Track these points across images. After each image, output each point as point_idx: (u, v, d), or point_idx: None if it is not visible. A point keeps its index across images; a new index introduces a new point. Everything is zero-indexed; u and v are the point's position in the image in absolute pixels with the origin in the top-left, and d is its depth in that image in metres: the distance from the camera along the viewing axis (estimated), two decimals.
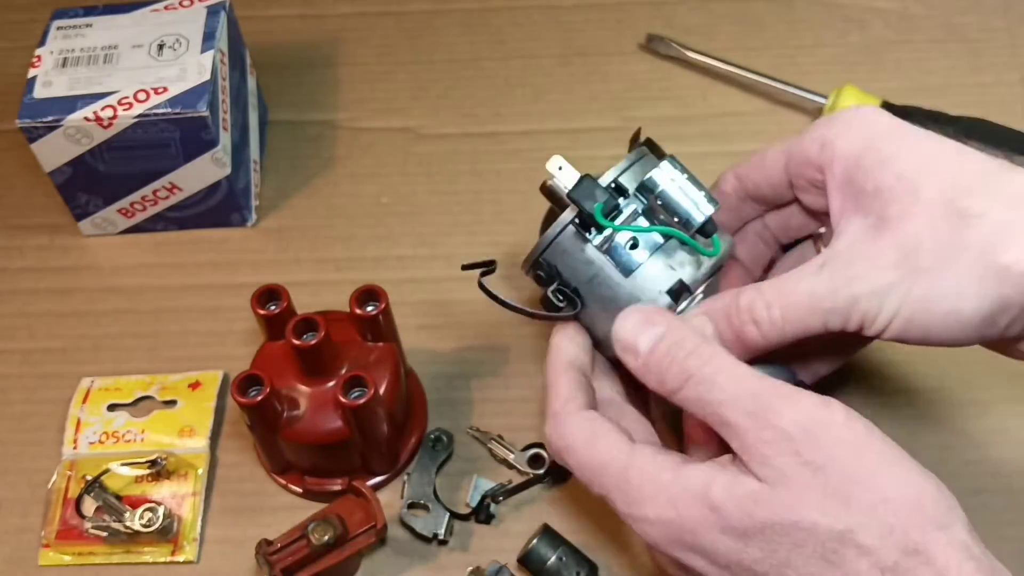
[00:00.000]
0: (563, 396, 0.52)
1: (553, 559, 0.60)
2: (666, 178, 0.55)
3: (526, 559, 0.60)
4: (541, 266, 0.58)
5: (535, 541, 0.60)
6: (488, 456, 0.66)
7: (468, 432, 0.66)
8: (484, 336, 0.71)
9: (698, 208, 0.54)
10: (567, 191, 0.56)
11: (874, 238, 0.49)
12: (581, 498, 0.64)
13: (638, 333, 0.50)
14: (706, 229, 0.55)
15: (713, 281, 0.58)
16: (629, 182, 0.56)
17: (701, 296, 0.56)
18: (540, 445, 0.65)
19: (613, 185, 0.56)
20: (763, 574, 0.45)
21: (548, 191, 0.58)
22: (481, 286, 0.58)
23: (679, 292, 0.56)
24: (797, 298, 0.50)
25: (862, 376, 0.67)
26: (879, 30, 0.84)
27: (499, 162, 0.79)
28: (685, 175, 0.55)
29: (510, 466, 0.65)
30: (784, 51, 0.83)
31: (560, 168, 0.56)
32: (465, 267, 0.60)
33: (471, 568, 0.61)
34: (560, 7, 0.87)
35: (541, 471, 0.64)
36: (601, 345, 0.59)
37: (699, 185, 0.55)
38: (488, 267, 0.59)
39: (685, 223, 0.54)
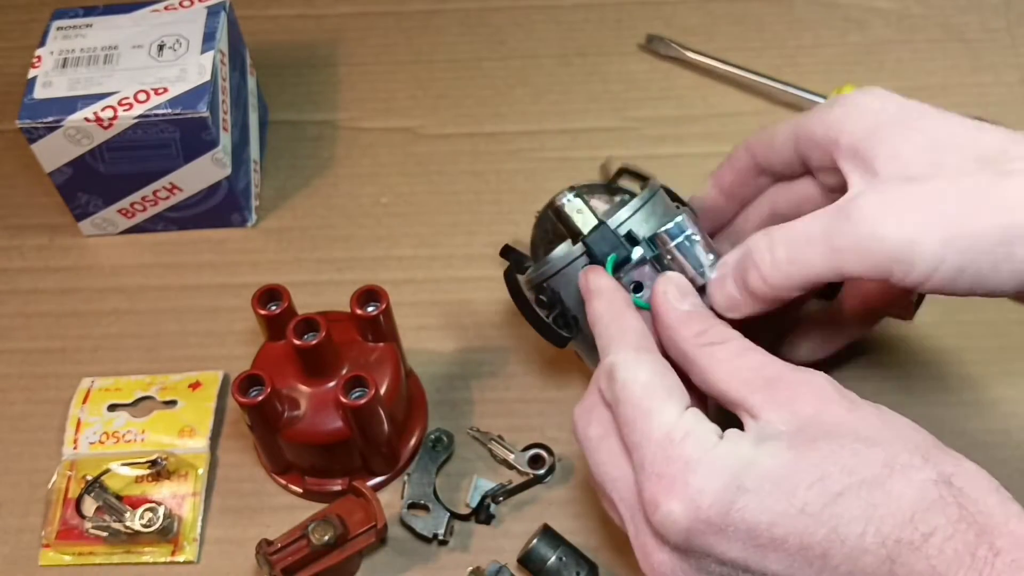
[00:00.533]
0: (637, 334, 0.51)
1: (553, 559, 0.59)
2: (680, 234, 0.55)
3: (526, 559, 0.60)
4: (544, 290, 0.58)
5: (535, 541, 0.60)
6: (488, 456, 0.66)
7: (468, 433, 0.66)
8: (484, 336, 0.71)
9: (703, 273, 0.54)
10: (582, 235, 0.56)
11: (900, 188, 0.47)
12: (581, 498, 0.64)
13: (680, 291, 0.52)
14: (705, 288, 0.55)
15: None
16: (640, 226, 0.56)
17: None
18: (540, 446, 0.65)
19: (626, 232, 0.56)
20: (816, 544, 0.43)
21: (557, 212, 0.58)
22: (506, 277, 0.60)
23: None
24: (809, 237, 0.48)
25: (862, 377, 0.67)
26: (879, 30, 0.84)
27: (499, 162, 0.79)
28: (698, 236, 0.55)
29: (510, 466, 0.65)
30: (784, 51, 0.83)
31: (579, 211, 0.57)
32: (504, 253, 0.61)
33: (471, 568, 0.61)
34: (560, 7, 0.87)
35: (541, 471, 0.64)
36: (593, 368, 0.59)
37: (710, 245, 0.55)
38: (523, 263, 0.61)
39: (691, 279, 0.55)
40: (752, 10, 0.86)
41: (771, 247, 0.49)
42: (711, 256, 0.55)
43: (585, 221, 0.57)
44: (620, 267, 0.55)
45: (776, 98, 0.81)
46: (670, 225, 0.55)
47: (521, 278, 0.60)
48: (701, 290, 0.54)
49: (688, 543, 0.44)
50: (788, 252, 0.48)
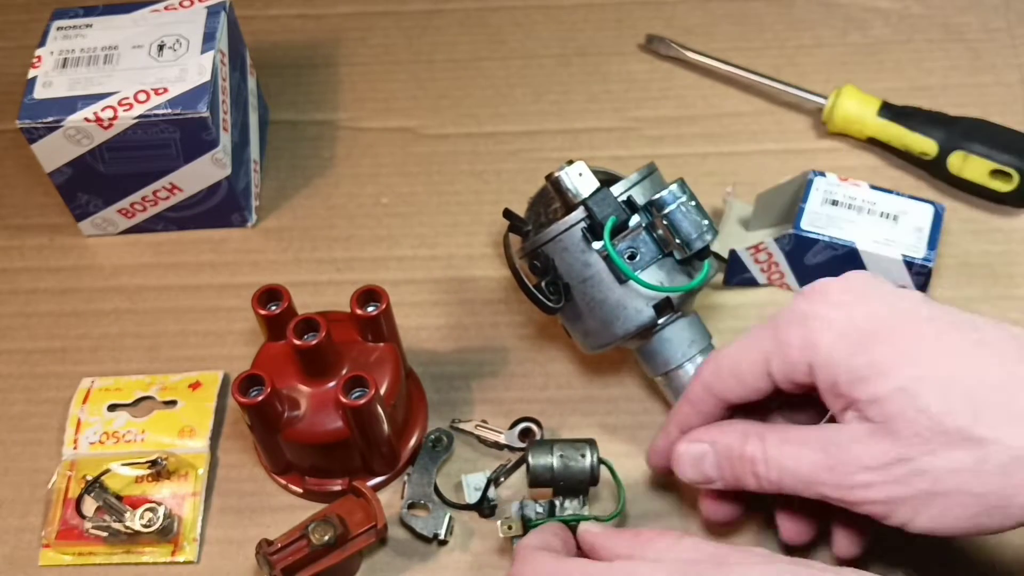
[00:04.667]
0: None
1: (555, 461, 0.57)
2: (675, 200, 0.57)
3: (535, 482, 0.58)
4: (539, 256, 0.59)
5: (530, 459, 0.58)
6: (484, 455, 0.66)
7: (452, 426, 0.66)
8: (484, 336, 0.71)
9: (700, 235, 0.57)
10: (582, 197, 0.58)
11: (881, 446, 0.47)
12: None
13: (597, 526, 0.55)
14: (702, 253, 0.57)
15: (693, 299, 0.61)
16: (638, 196, 0.58)
17: (680, 314, 0.59)
18: (528, 419, 0.65)
19: (625, 199, 0.58)
20: None
21: (555, 183, 0.59)
22: (505, 238, 0.63)
23: (664, 308, 0.58)
24: (798, 474, 0.49)
25: None
26: (879, 30, 0.84)
27: (499, 162, 0.79)
28: (692, 201, 0.57)
29: (501, 447, 0.65)
30: (784, 51, 0.83)
31: (580, 174, 0.58)
32: (506, 214, 0.63)
33: (502, 522, 0.59)
34: (560, 7, 0.87)
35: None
36: (577, 341, 0.62)
37: (703, 212, 0.57)
38: (522, 228, 0.63)
39: (685, 244, 0.57)
40: (752, 10, 0.86)
41: (767, 465, 0.51)
42: (705, 223, 0.57)
43: (587, 184, 0.58)
44: (618, 232, 0.57)
45: (776, 98, 0.81)
46: (664, 192, 0.58)
47: (518, 248, 0.62)
48: (690, 259, 0.57)
49: None
50: (780, 477, 0.50)
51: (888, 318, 0.48)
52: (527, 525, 0.57)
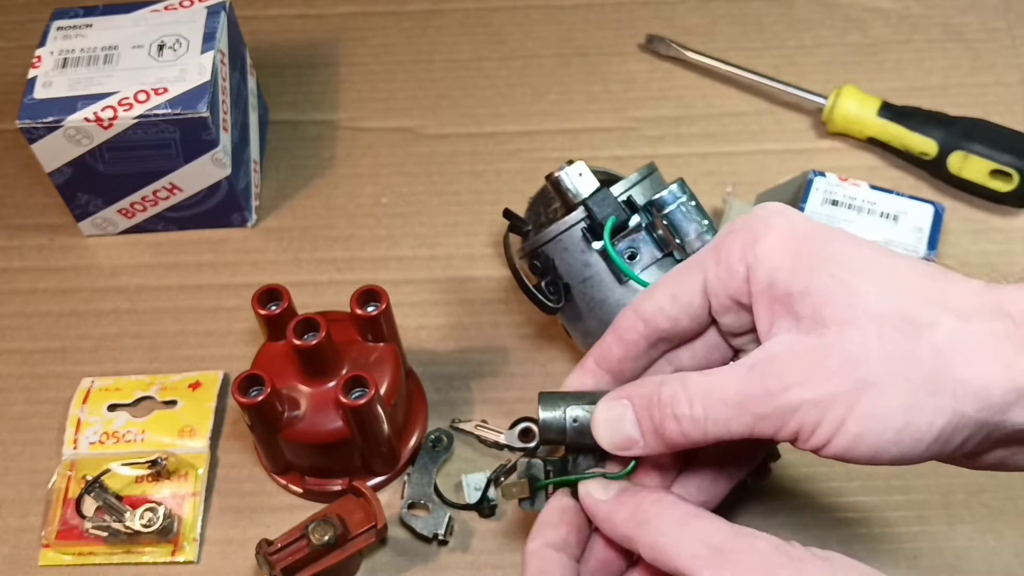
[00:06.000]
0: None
1: (567, 413, 0.51)
2: (675, 200, 0.57)
3: (546, 437, 0.51)
4: (539, 256, 0.59)
5: (541, 413, 0.51)
6: (483, 456, 0.66)
7: (452, 426, 0.66)
8: (484, 336, 0.71)
9: (700, 235, 0.57)
10: (582, 197, 0.58)
11: (811, 342, 0.44)
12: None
13: (601, 486, 0.50)
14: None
15: None
16: (638, 197, 0.58)
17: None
18: (528, 419, 0.65)
19: (625, 199, 0.58)
20: None
21: (555, 183, 0.59)
22: (504, 240, 0.63)
23: None
24: (725, 398, 0.45)
25: None
26: (879, 30, 0.84)
27: (499, 162, 0.79)
28: (692, 201, 0.57)
29: (501, 447, 0.65)
30: (784, 51, 0.83)
31: (580, 174, 0.58)
32: (506, 214, 0.63)
33: (506, 485, 0.54)
34: (560, 7, 0.87)
35: (532, 443, 0.64)
36: (577, 341, 0.62)
37: (703, 212, 0.57)
38: (522, 228, 0.63)
39: (685, 244, 0.57)
40: (752, 10, 0.86)
41: (690, 403, 0.46)
42: (705, 223, 0.57)
43: (587, 184, 0.58)
44: (617, 232, 0.57)
45: (776, 98, 0.81)
46: (664, 193, 0.58)
47: (518, 249, 0.62)
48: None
49: None
50: (706, 411, 0.46)
51: (823, 227, 0.47)
52: (534, 487, 0.52)
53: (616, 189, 0.58)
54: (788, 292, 0.45)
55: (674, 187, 0.58)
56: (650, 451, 0.48)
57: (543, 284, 0.60)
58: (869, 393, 0.43)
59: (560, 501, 0.51)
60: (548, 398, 0.51)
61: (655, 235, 0.59)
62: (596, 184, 0.59)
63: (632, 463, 0.50)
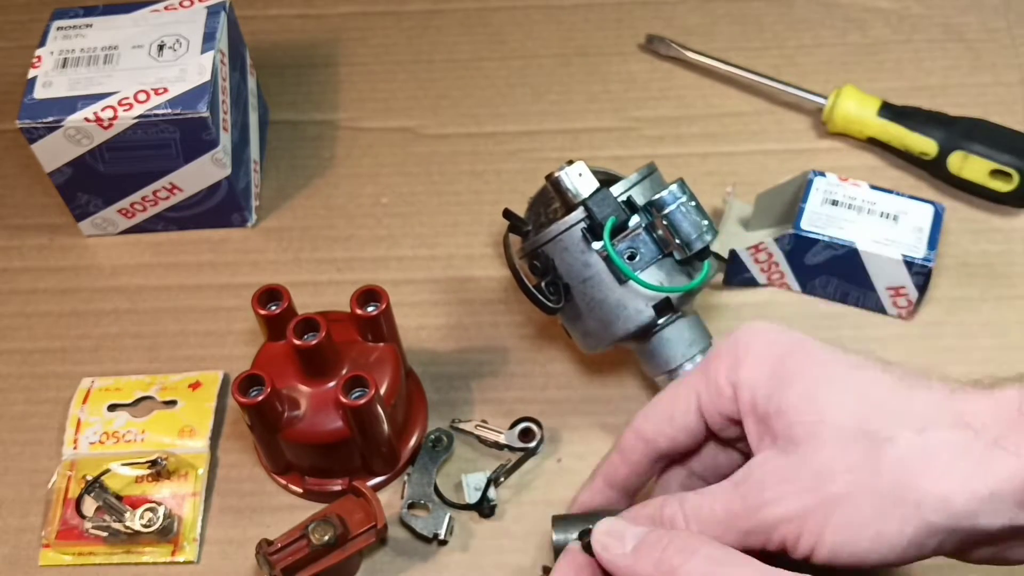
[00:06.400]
0: None
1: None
2: (675, 201, 0.57)
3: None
4: (539, 256, 0.60)
5: (555, 539, 0.54)
6: (483, 456, 0.66)
7: (452, 426, 0.66)
8: (484, 336, 0.71)
9: (700, 235, 0.57)
10: (582, 197, 0.58)
11: (785, 460, 0.47)
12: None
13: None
14: (702, 254, 0.57)
15: (693, 299, 0.61)
16: (638, 197, 0.58)
17: (680, 314, 0.58)
18: (529, 419, 0.65)
19: (625, 199, 0.58)
20: None
21: (555, 183, 0.59)
22: (504, 240, 0.63)
23: (664, 308, 0.58)
24: (714, 517, 0.49)
25: None
26: (879, 30, 0.84)
27: (499, 162, 0.79)
28: (692, 201, 0.57)
29: (501, 447, 0.65)
30: (784, 51, 0.83)
31: (580, 174, 0.58)
32: (506, 214, 0.63)
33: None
34: (560, 7, 0.87)
35: (532, 444, 0.64)
36: (577, 341, 0.62)
37: (703, 212, 0.57)
38: (522, 228, 0.63)
39: (685, 244, 0.57)
40: (752, 10, 0.86)
41: (687, 521, 0.50)
42: (705, 223, 0.57)
43: (587, 184, 0.58)
44: (617, 232, 0.57)
45: (776, 98, 0.81)
46: (664, 193, 0.58)
47: (518, 249, 0.62)
48: (689, 259, 0.56)
49: None
50: (701, 528, 0.49)
51: (800, 342, 0.50)
52: None
53: (616, 189, 0.58)
54: (766, 412, 0.49)
55: (674, 187, 0.58)
56: None
57: (543, 284, 0.60)
58: (840, 506, 0.46)
59: (573, 559, 0.51)
60: (561, 522, 0.54)
61: (655, 235, 0.59)
62: (596, 184, 0.59)
63: None
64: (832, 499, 0.46)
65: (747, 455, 0.51)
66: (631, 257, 0.58)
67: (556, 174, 0.60)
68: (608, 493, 0.55)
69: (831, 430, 0.47)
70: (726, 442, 0.54)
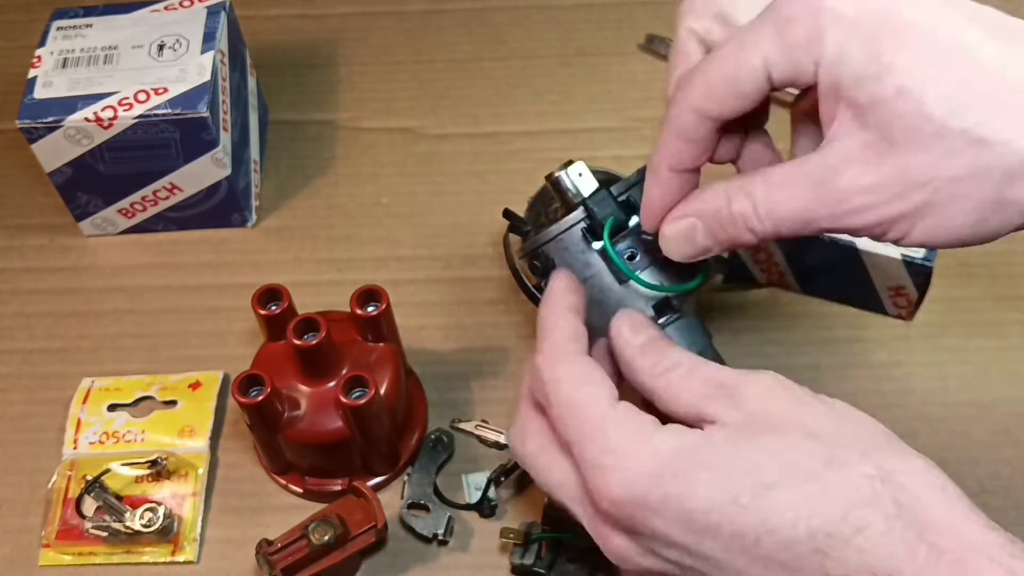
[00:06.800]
0: (564, 335, 0.51)
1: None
2: None
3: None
4: (539, 256, 0.59)
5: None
6: (484, 455, 0.66)
7: (452, 426, 0.66)
8: (484, 336, 0.71)
9: None
10: (582, 197, 0.58)
11: (876, 160, 0.44)
12: None
13: (632, 327, 0.52)
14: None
15: (693, 299, 0.60)
16: (638, 197, 0.58)
17: (680, 315, 0.59)
18: None
19: (625, 199, 0.58)
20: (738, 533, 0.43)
21: (554, 183, 0.59)
22: (504, 240, 0.63)
23: (664, 308, 0.58)
24: (791, 215, 0.46)
25: (861, 378, 0.68)
26: None
27: (499, 162, 0.79)
28: None
29: (501, 447, 0.65)
30: None
31: (580, 174, 0.58)
32: (506, 214, 0.63)
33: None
34: (560, 7, 0.87)
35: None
36: None
37: None
38: (522, 228, 0.63)
39: None
40: None
41: (760, 220, 0.47)
42: None
43: (587, 184, 0.58)
44: (616, 233, 0.56)
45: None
46: None
47: (517, 248, 0.62)
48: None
49: (634, 526, 0.46)
50: (776, 226, 0.47)
51: (897, 8, 0.44)
52: (528, 539, 0.55)
53: (616, 189, 0.58)
54: (855, 100, 0.44)
55: None
56: (721, 252, 0.51)
57: (543, 284, 0.60)
58: (933, 211, 0.44)
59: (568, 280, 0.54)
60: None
61: (655, 235, 0.58)
62: (596, 184, 0.59)
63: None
64: (927, 206, 0.44)
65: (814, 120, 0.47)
66: (631, 257, 0.58)
67: (556, 174, 0.59)
68: (680, 179, 0.52)
69: (934, 133, 0.43)
70: (795, 113, 0.51)
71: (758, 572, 0.43)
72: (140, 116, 0.68)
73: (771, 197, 0.47)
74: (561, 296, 0.53)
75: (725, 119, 0.49)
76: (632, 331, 0.52)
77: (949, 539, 0.41)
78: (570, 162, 0.60)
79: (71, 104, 0.69)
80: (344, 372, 0.62)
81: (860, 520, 0.41)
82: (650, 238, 0.59)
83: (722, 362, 0.53)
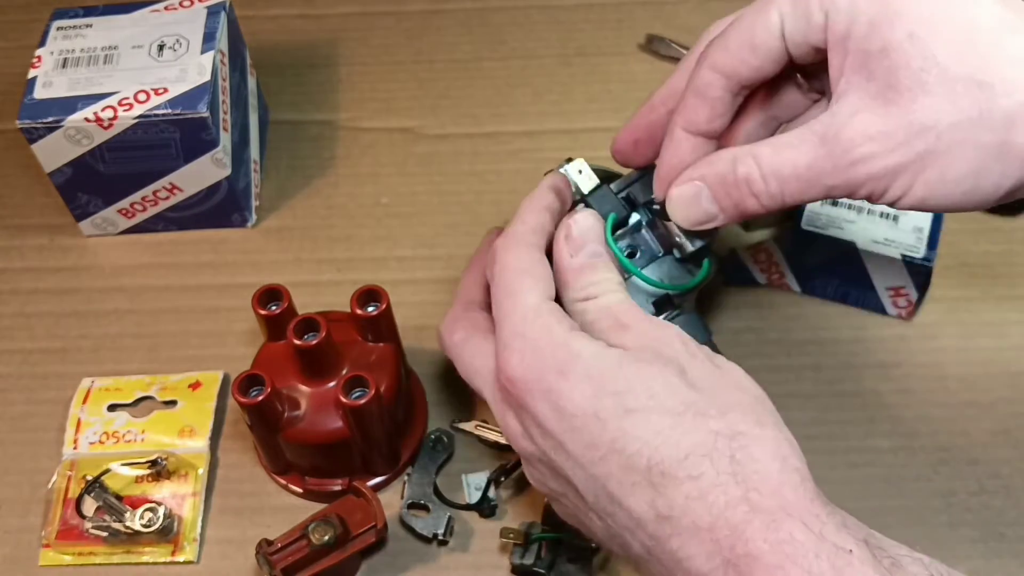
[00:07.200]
0: (528, 227, 0.53)
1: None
2: None
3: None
4: None
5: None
6: (484, 455, 0.66)
7: (452, 426, 0.66)
8: None
9: (697, 237, 0.56)
10: (583, 193, 0.58)
11: (882, 109, 0.45)
12: None
13: (591, 236, 0.53)
14: (701, 252, 0.57)
15: (692, 297, 0.60)
16: (639, 194, 0.58)
17: (680, 312, 0.59)
18: None
19: (625, 196, 0.58)
20: (606, 422, 0.46)
21: None
22: None
23: (664, 304, 0.58)
24: (797, 174, 0.47)
25: (861, 378, 0.68)
26: None
27: (499, 162, 0.79)
28: None
29: (501, 447, 0.65)
30: None
31: (580, 171, 0.58)
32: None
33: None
34: (560, 7, 0.87)
35: None
36: None
37: None
38: None
39: (680, 246, 0.57)
40: None
41: (765, 181, 0.48)
42: None
43: (587, 181, 0.58)
44: (617, 228, 0.56)
45: None
46: None
47: None
48: (689, 257, 0.56)
49: (522, 405, 0.49)
50: (781, 188, 0.48)
51: None
52: (528, 538, 0.56)
53: (616, 186, 0.59)
54: (864, 49, 0.45)
55: None
56: (727, 222, 0.51)
57: None
58: (937, 161, 0.44)
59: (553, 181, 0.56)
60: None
61: (655, 233, 0.59)
62: (596, 181, 0.59)
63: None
64: (930, 154, 0.44)
65: (822, 92, 0.49)
66: (631, 254, 0.58)
67: (557, 171, 0.60)
68: (692, 141, 0.52)
69: (939, 78, 0.43)
70: (807, 75, 0.51)
71: (598, 488, 0.47)
72: (140, 116, 0.68)
73: (777, 157, 0.48)
74: (544, 193, 0.55)
75: (741, 79, 0.50)
76: (572, 247, 0.53)
77: (771, 501, 0.43)
78: (570, 159, 0.60)
79: (71, 104, 0.69)
80: (344, 372, 0.62)
81: (695, 468, 0.44)
82: (657, 207, 0.58)
83: None
